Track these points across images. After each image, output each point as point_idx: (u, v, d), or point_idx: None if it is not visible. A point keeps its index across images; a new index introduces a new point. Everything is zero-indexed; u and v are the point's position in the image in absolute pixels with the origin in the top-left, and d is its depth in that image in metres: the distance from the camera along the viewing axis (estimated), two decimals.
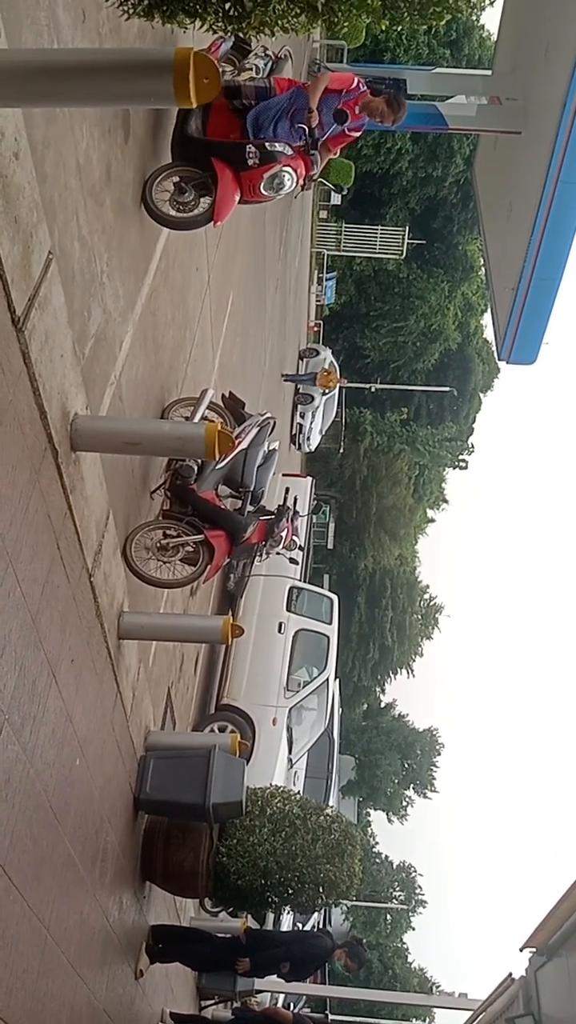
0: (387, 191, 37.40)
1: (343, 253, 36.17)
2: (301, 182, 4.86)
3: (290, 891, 6.94)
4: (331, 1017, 12.62)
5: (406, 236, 35.77)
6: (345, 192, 24.90)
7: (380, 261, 37.62)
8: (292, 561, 9.13)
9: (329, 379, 23.75)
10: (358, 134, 5.26)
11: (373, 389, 39.47)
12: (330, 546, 40.24)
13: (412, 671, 50.25)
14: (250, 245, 10.72)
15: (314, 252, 32.58)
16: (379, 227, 36.41)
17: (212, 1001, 10.33)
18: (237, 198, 4.77)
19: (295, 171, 4.81)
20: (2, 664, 3.02)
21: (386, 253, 36.25)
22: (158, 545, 5.32)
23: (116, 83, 2.72)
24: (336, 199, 32.56)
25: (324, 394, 25.35)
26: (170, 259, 5.58)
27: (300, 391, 25.12)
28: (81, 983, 4.35)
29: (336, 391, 27.18)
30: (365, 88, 5.05)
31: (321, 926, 14.72)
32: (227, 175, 4.64)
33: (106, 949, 5.06)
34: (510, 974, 7.68)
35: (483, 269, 31.59)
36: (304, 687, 11.45)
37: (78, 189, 3.63)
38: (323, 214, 34.18)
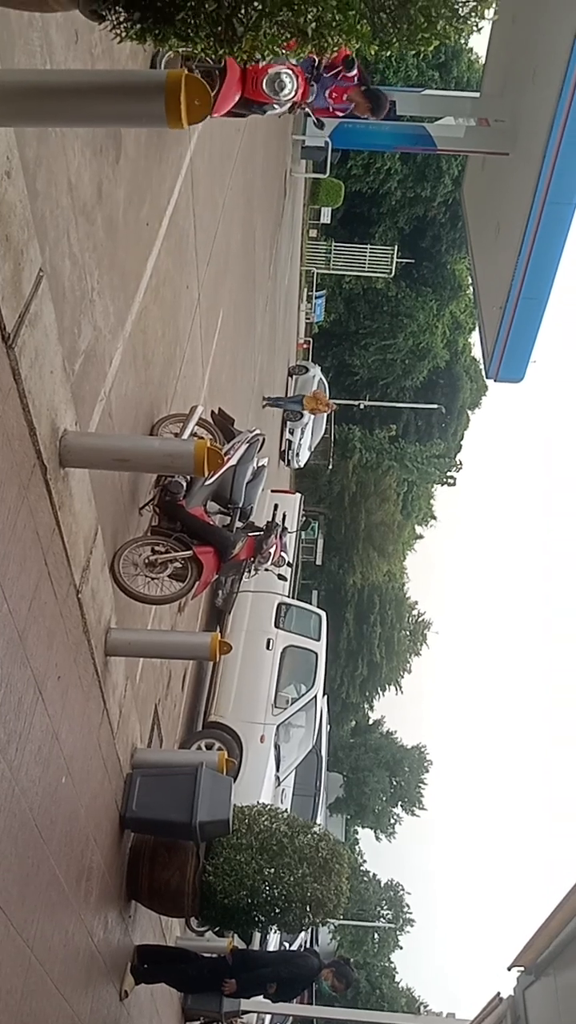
0: (376, 210, 37.75)
1: (332, 272, 36.44)
2: (297, 98, 5.04)
3: (277, 910, 6.89)
4: None
5: (395, 255, 36.08)
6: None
7: (369, 279, 37.91)
8: (280, 577, 9.15)
9: (318, 404, 20.63)
10: (340, 115, 5.83)
11: (362, 406, 39.65)
12: (319, 562, 40.26)
13: (400, 688, 50.25)
14: (240, 263, 10.78)
15: (304, 270, 32.81)
16: (368, 246, 36.72)
17: (198, 1022, 10.21)
18: (238, 95, 4.87)
19: (296, 78, 4.93)
20: None
21: (375, 272, 36.54)
22: (146, 561, 5.31)
23: (108, 104, 2.74)
24: (326, 218, 32.78)
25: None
26: (160, 277, 5.61)
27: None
28: (65, 1004, 4.30)
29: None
30: (357, 83, 5.38)
31: (308, 946, 14.61)
32: (235, 68, 4.72)
33: (91, 969, 5.01)
34: (498, 993, 7.63)
35: (471, 288, 31.85)
36: (292, 704, 11.41)
37: (69, 207, 3.65)
38: (313, 232, 34.44)
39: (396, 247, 36.69)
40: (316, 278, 35.31)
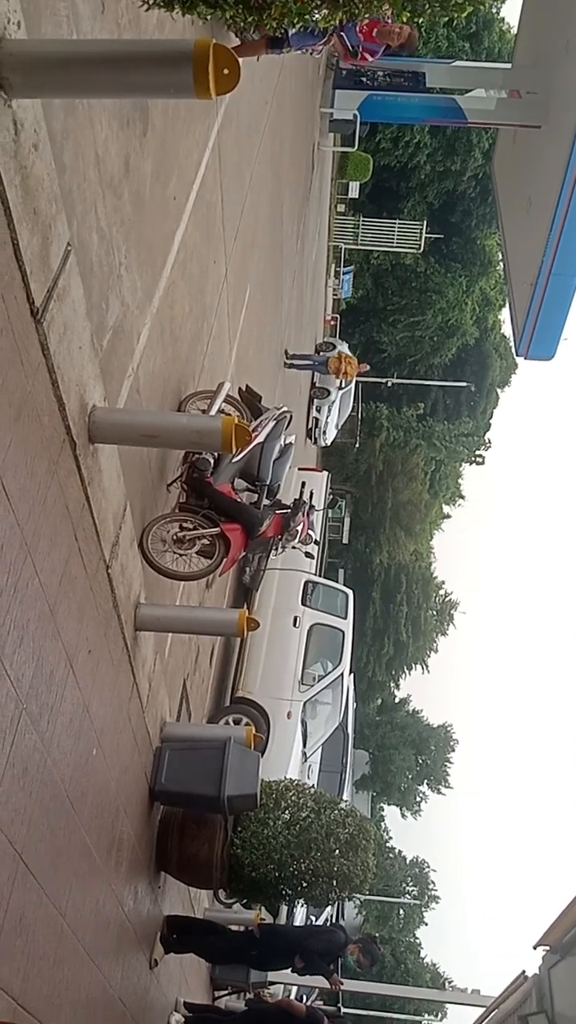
0: (405, 185, 37.26)
1: (360, 247, 36.08)
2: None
3: (304, 884, 6.96)
4: (343, 1010, 12.64)
5: (424, 230, 35.63)
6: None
7: (398, 255, 37.50)
8: (307, 555, 9.13)
9: (345, 366, 17.90)
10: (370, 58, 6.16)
11: (390, 384, 39.35)
12: (345, 541, 40.25)
13: (427, 667, 50.24)
14: (268, 238, 10.71)
15: (331, 246, 32.52)
16: (397, 221, 36.29)
17: (226, 992, 10.39)
18: None
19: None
20: (20, 654, 3.03)
21: (404, 247, 36.13)
22: (174, 538, 5.33)
23: (135, 74, 2.71)
24: (354, 192, 32.41)
25: (340, 387, 25.13)
26: (188, 252, 5.58)
27: (316, 384, 25.04)
28: (96, 971, 4.38)
29: (352, 385, 27.02)
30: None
31: (334, 920, 14.75)
32: None
33: (121, 938, 5.09)
34: (523, 972, 7.67)
35: (501, 264, 31.42)
36: (319, 681, 11.46)
37: (96, 181, 3.64)
38: (341, 207, 34.08)
39: (425, 222, 36.24)
40: (344, 253, 34.98)
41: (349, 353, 23.07)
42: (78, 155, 3.39)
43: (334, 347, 26.37)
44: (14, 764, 3.01)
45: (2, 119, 2.64)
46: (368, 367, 19.27)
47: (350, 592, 13.40)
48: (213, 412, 5.44)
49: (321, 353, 19.90)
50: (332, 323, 32.99)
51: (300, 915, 11.45)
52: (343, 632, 12.26)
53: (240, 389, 6.55)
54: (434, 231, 37.43)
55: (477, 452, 49.19)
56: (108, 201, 3.80)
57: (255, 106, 8.63)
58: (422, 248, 36.31)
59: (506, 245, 21.37)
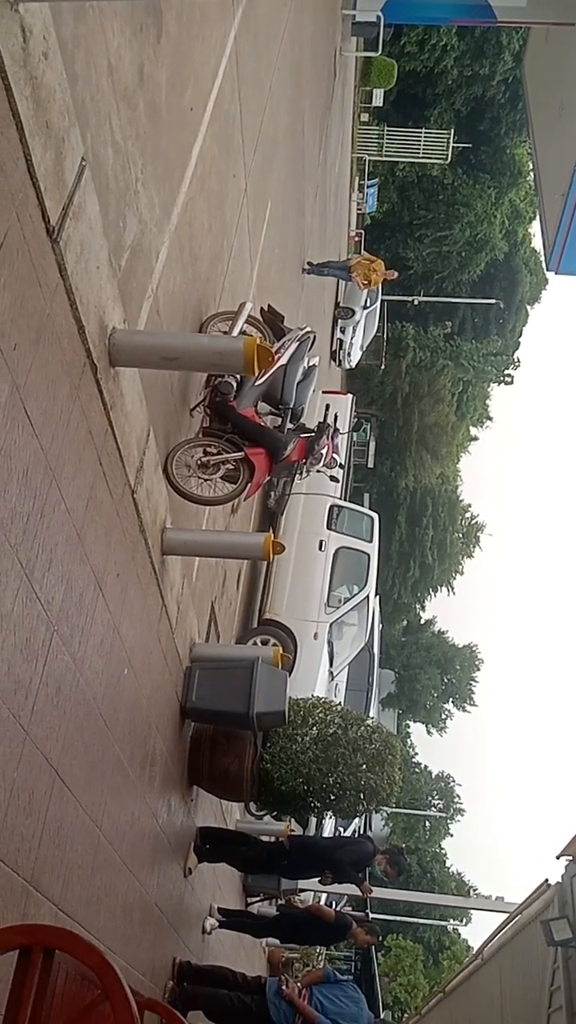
0: (431, 91, 35.72)
1: (385, 158, 34.84)
2: None
3: (332, 797, 7.17)
4: (371, 915, 13.18)
5: (451, 139, 34.28)
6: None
7: (424, 166, 36.19)
8: (332, 479, 9.09)
9: (369, 269, 15.69)
10: None
11: (416, 302, 38.51)
12: (370, 465, 40.06)
13: (452, 589, 50.52)
14: (288, 150, 10.35)
15: (355, 157, 31.41)
16: (423, 130, 34.91)
17: (257, 898, 10.84)
18: None
19: None
20: (49, 578, 3.07)
21: (430, 157, 34.84)
22: (199, 463, 5.32)
23: None
24: (378, 100, 31.13)
25: (365, 306, 24.58)
26: (206, 166, 5.41)
27: (340, 304, 24.54)
28: (133, 879, 4.58)
29: (377, 305, 26.45)
30: None
31: (362, 832, 15.24)
32: None
33: (156, 848, 5.30)
34: (546, 880, 7.91)
35: (532, 174, 30.20)
36: (344, 603, 11.59)
37: (110, 91, 3.50)
38: (364, 117, 32.79)
39: (452, 131, 34.84)
40: (368, 165, 33.82)
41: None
42: (90, 64, 3.25)
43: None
44: (47, 683, 3.08)
45: (10, 25, 2.52)
46: (396, 274, 17.41)
47: (375, 516, 13.42)
48: (235, 333, 5.35)
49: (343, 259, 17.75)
50: (356, 239, 32.08)
51: (329, 826, 11.85)
52: (368, 555, 12.32)
53: (262, 309, 6.42)
54: (462, 140, 36.00)
55: (506, 372, 48.24)
56: (123, 113, 3.67)
57: (273, 9, 8.23)
58: (449, 158, 34.99)
59: (537, 153, 20.51)
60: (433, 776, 49.70)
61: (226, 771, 6.65)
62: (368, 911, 13.70)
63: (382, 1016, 17.57)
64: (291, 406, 6.05)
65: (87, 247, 3.24)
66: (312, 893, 11.78)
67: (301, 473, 7.08)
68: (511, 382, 49.31)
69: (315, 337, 6.51)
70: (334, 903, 13.66)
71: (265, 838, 8.32)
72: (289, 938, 9.23)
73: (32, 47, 2.67)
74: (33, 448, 2.87)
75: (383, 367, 38.27)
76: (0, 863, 2.70)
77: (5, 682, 2.71)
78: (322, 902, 11.73)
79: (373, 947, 16.62)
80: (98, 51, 3.35)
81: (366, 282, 16.12)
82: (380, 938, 16.81)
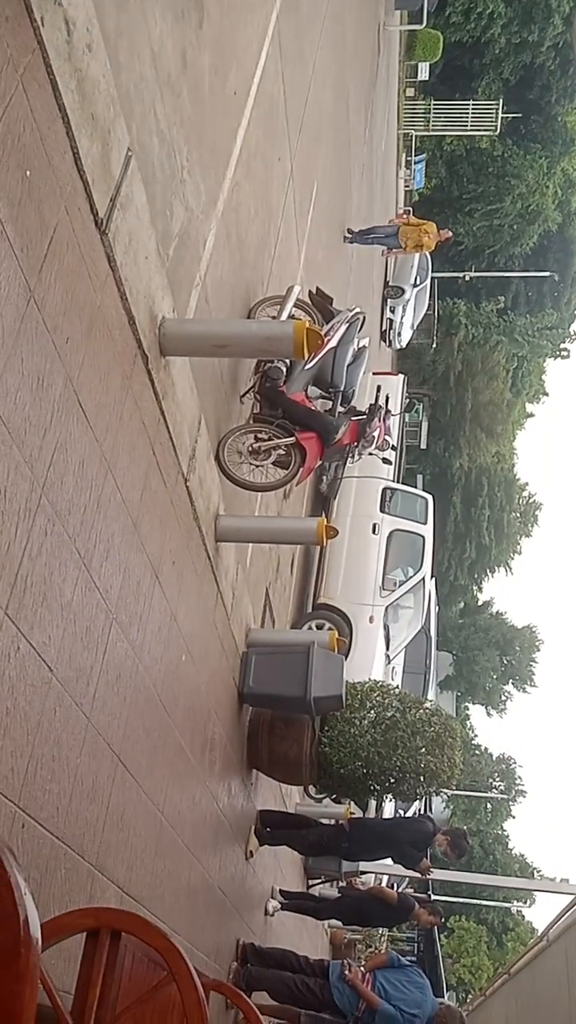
0: (478, 62, 34.91)
1: (432, 133, 34.19)
2: None
3: (392, 780, 7.15)
4: (433, 897, 13.17)
5: (500, 110, 33.43)
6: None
7: (472, 139, 35.44)
8: (385, 461, 9.03)
9: (420, 232, 14.40)
10: None
11: (467, 278, 37.82)
12: (423, 446, 39.57)
13: (510, 569, 49.81)
14: (333, 130, 10.23)
15: (401, 133, 30.90)
16: (471, 102, 34.13)
17: (319, 880, 10.91)
18: None
19: None
20: (107, 566, 3.11)
21: (479, 130, 34.07)
22: (250, 449, 5.32)
23: None
24: (424, 74, 30.55)
25: (416, 284, 24.20)
26: (251, 150, 5.38)
27: (389, 284, 24.25)
28: (196, 862, 4.64)
29: (428, 283, 26.04)
30: None
31: (422, 814, 15.21)
32: None
33: (218, 832, 5.36)
34: None
35: None
36: (400, 586, 11.53)
37: (154, 80, 3.50)
38: (410, 91, 32.22)
39: (501, 101, 33.94)
40: (415, 141, 33.22)
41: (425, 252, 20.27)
42: (133, 53, 3.25)
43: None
44: (107, 671, 3.13)
45: (54, 19, 2.53)
46: (451, 234, 15.86)
47: (429, 497, 13.30)
48: (283, 317, 5.33)
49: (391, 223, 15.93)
50: (404, 217, 31.60)
51: (389, 809, 11.85)
52: (423, 537, 12.23)
53: (310, 292, 6.38)
54: (511, 110, 35.09)
55: (562, 346, 47.16)
56: (167, 100, 3.66)
57: None
58: (499, 129, 34.15)
59: None
60: (494, 758, 49.28)
61: (285, 755, 6.69)
62: (430, 892, 13.70)
63: (445, 997, 17.58)
64: (341, 389, 6.01)
65: (135, 238, 3.25)
66: (373, 875, 11.81)
67: (353, 456, 7.04)
68: (568, 356, 48.21)
69: (364, 318, 6.45)
70: (395, 885, 13.69)
71: (325, 821, 8.36)
72: (351, 920, 9.27)
73: (76, 40, 2.67)
74: (88, 440, 2.90)
75: (435, 345, 37.74)
76: (66, 847, 2.75)
77: (67, 670, 2.76)
78: (383, 883, 11.77)
79: (436, 928, 16.63)
80: (141, 40, 3.34)
81: (417, 247, 14.90)
82: (443, 919, 16.78)
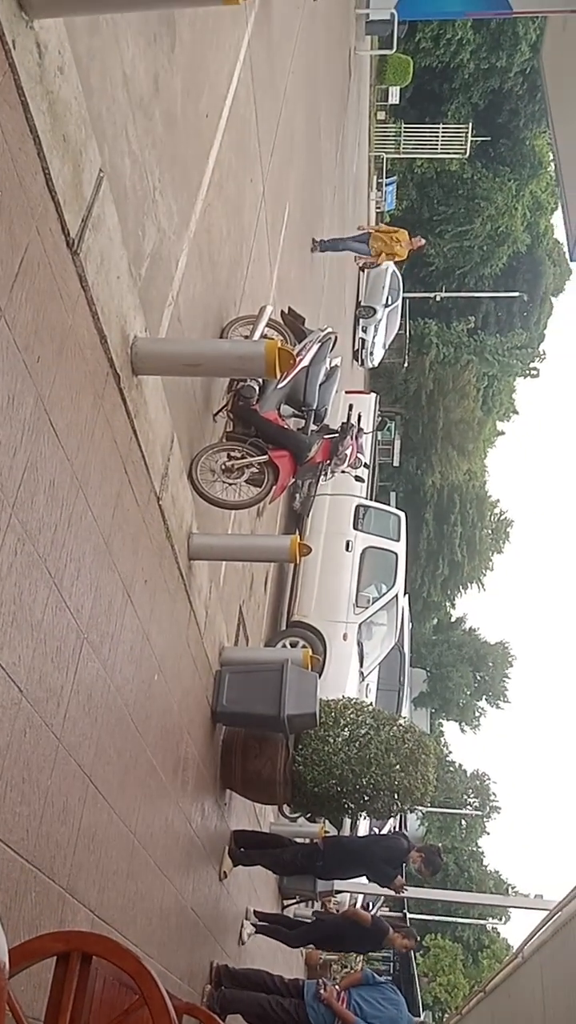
0: (448, 86, 35.48)
1: (403, 155, 34.65)
2: None
3: (366, 797, 7.15)
4: (408, 916, 13.11)
5: (469, 133, 34.01)
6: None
7: (443, 162, 35.96)
8: (358, 479, 9.07)
9: (392, 240, 13.83)
10: None
11: (438, 298, 38.26)
12: (396, 463, 39.83)
13: (483, 585, 50.12)
14: (305, 152, 10.35)
15: (372, 156, 31.27)
16: (440, 126, 34.68)
17: (294, 900, 10.84)
18: None
19: None
20: (78, 585, 3.10)
21: (449, 153, 34.58)
22: (223, 467, 5.34)
23: None
24: (394, 98, 30.98)
25: (387, 304, 24.42)
26: (223, 172, 5.43)
27: (361, 303, 24.45)
28: (168, 883, 4.60)
29: (399, 303, 26.29)
30: None
31: (397, 831, 15.18)
32: None
33: (191, 852, 5.32)
34: None
35: (553, 164, 29.90)
36: (373, 603, 11.55)
37: (126, 102, 3.53)
38: (381, 115, 32.64)
39: (470, 125, 34.55)
40: (386, 164, 33.63)
41: (395, 270, 19.51)
42: (105, 76, 3.28)
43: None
44: (79, 691, 3.11)
45: (25, 42, 2.55)
46: (424, 242, 15.36)
47: (402, 514, 13.37)
48: (256, 337, 5.36)
49: (360, 231, 15.22)
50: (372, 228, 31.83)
51: (363, 827, 11.81)
52: (396, 554, 12.28)
53: (282, 312, 6.43)
54: (480, 134, 35.71)
55: (531, 365, 47.79)
56: (139, 123, 3.70)
57: (286, 12, 8.24)
58: (468, 152, 34.71)
59: (557, 143, 20.32)
60: (468, 774, 49.32)
61: (258, 774, 6.66)
62: (406, 911, 13.64)
63: (422, 1017, 17.48)
64: (314, 407, 6.06)
65: (107, 258, 3.27)
66: (348, 895, 11.75)
67: (326, 474, 7.08)
68: (537, 375, 48.87)
69: (336, 338, 6.51)
70: (371, 904, 13.62)
71: (300, 840, 8.32)
72: (325, 945, 9.19)
73: (48, 63, 2.70)
74: (59, 458, 2.89)
75: (406, 365, 38.06)
76: (36, 870, 2.72)
77: (37, 691, 2.74)
78: (358, 903, 11.70)
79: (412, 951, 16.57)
80: (113, 63, 3.37)
81: (390, 255, 14.36)
82: (419, 941, 16.71)
